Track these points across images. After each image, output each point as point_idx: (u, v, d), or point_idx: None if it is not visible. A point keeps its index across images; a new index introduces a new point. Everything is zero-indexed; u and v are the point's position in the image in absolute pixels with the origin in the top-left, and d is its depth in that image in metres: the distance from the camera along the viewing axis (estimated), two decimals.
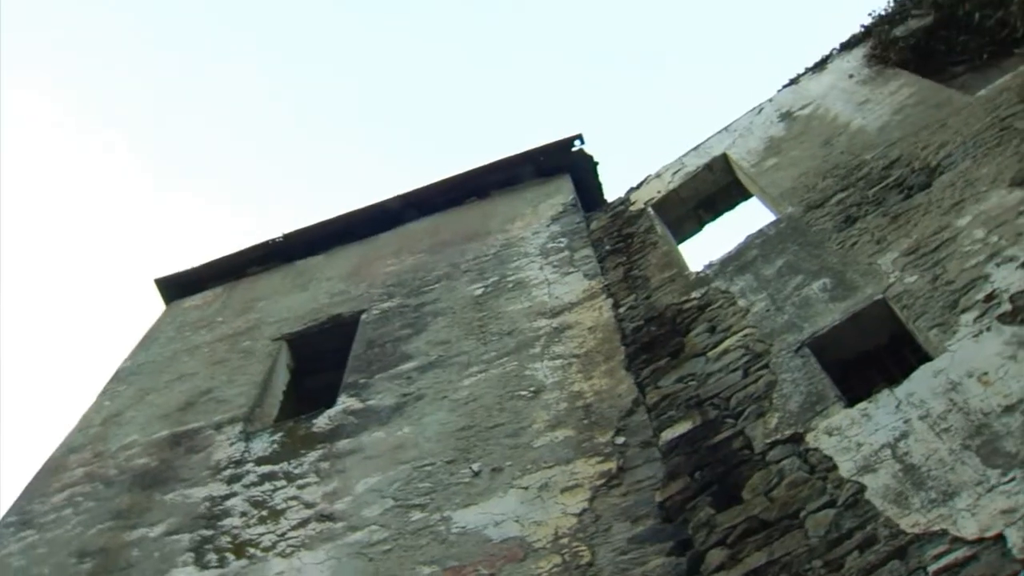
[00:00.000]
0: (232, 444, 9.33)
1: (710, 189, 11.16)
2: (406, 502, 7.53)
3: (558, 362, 8.51)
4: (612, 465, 7.01)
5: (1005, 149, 7.80)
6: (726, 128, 11.47)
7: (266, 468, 8.74)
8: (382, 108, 41.81)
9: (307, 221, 13.98)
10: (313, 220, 13.87)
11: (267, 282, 13.18)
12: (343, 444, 8.61)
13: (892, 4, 11.47)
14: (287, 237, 13.68)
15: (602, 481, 6.90)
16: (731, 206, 11.22)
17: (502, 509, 7.02)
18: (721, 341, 7.72)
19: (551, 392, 8.12)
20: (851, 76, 10.76)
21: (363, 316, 11.00)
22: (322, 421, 9.11)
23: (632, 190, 11.63)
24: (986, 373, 5.90)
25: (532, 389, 8.27)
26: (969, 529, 5.07)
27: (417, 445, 8.16)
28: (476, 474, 7.50)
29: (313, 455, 8.64)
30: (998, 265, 6.65)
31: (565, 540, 6.50)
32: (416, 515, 7.34)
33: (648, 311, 8.70)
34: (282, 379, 10.90)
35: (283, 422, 9.63)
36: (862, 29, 11.48)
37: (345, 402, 9.26)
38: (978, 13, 10.17)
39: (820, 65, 11.52)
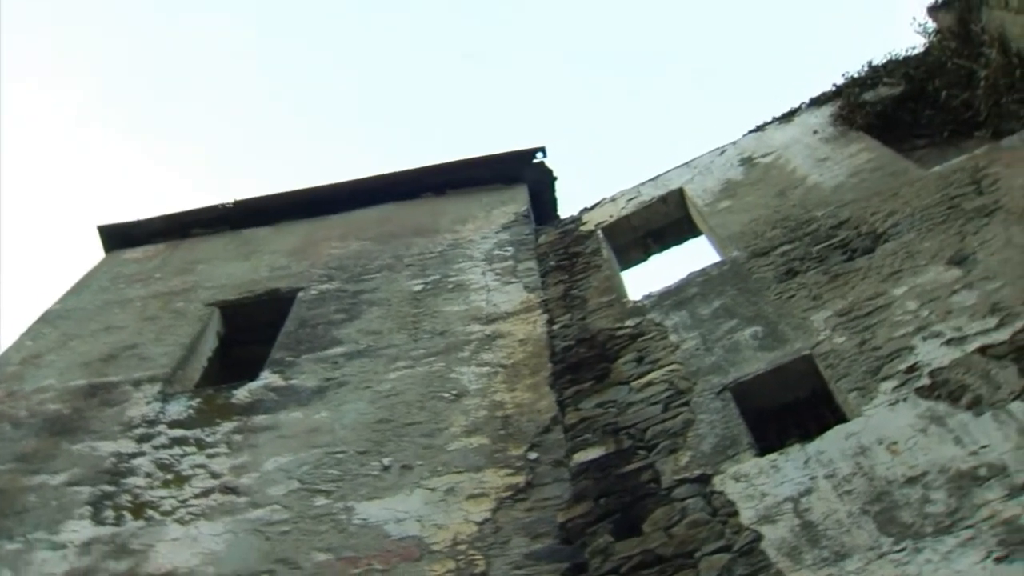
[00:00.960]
0: (148, 403, 9.23)
1: (662, 221, 11.24)
2: (312, 486, 7.50)
3: (484, 369, 8.53)
4: (521, 479, 7.03)
5: (949, 227, 7.94)
6: (687, 163, 11.57)
7: (178, 432, 8.66)
8: (374, 103, 41.64)
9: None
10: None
11: (210, 246, 13.06)
12: (259, 419, 8.56)
13: (866, 69, 11.64)
14: (237, 204, 13.57)
15: (508, 493, 6.92)
16: (680, 241, 11.30)
17: (406, 507, 7.01)
18: (647, 373, 7.78)
19: (473, 398, 8.13)
20: (815, 132, 10.90)
21: (300, 294, 10.94)
22: (242, 393, 9.04)
23: (585, 210, 11.69)
24: (896, 442, 6.01)
25: (455, 392, 8.28)
26: None
27: (332, 431, 8.13)
28: (386, 468, 7.48)
29: (228, 426, 8.58)
30: (924, 339, 6.78)
31: (463, 547, 6.50)
32: (320, 500, 7.31)
33: (581, 332, 8.74)
34: (210, 345, 10.80)
35: (203, 389, 9.55)
36: (833, 88, 11.65)
37: (268, 378, 9.21)
38: (945, 91, 10.36)
39: (788, 116, 11.66)
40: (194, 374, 10.13)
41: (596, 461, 6.99)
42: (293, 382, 9.03)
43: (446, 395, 8.26)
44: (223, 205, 13.61)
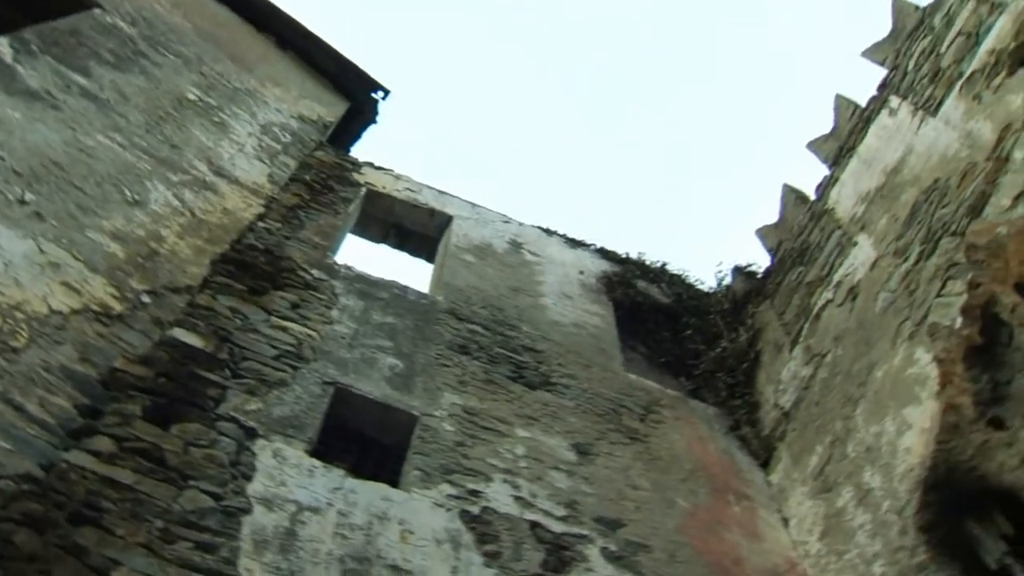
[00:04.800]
0: None
1: (416, 227, 11.32)
2: None
3: (176, 203, 8.28)
4: (119, 307, 6.81)
5: (600, 424, 8.44)
6: (475, 205, 11.74)
7: None
8: None
9: None
10: None
11: None
12: None
13: (658, 264, 12.17)
14: None
15: (99, 309, 6.67)
16: (415, 253, 11.38)
17: (5, 244, 6.63)
18: (291, 321, 7.73)
19: (145, 215, 7.86)
20: (582, 272, 11.29)
21: (96, 11, 10.31)
22: None
23: (369, 165, 11.56)
24: (412, 533, 6.25)
25: (137, 198, 7.98)
26: None
27: (10, 135, 7.61)
28: (21, 202, 7.09)
29: None
30: (504, 482, 7.11)
31: (20, 316, 6.17)
32: None
33: (274, 245, 8.62)
34: None
35: None
36: (623, 255, 12.13)
37: (2, 48, 8.61)
38: (691, 332, 10.98)
39: (575, 243, 12.03)
40: None
41: (188, 347, 6.85)
42: (18, 68, 8.45)
43: (127, 193, 7.95)
44: None
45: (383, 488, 6.53)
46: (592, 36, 42.36)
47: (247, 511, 5.80)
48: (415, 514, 6.44)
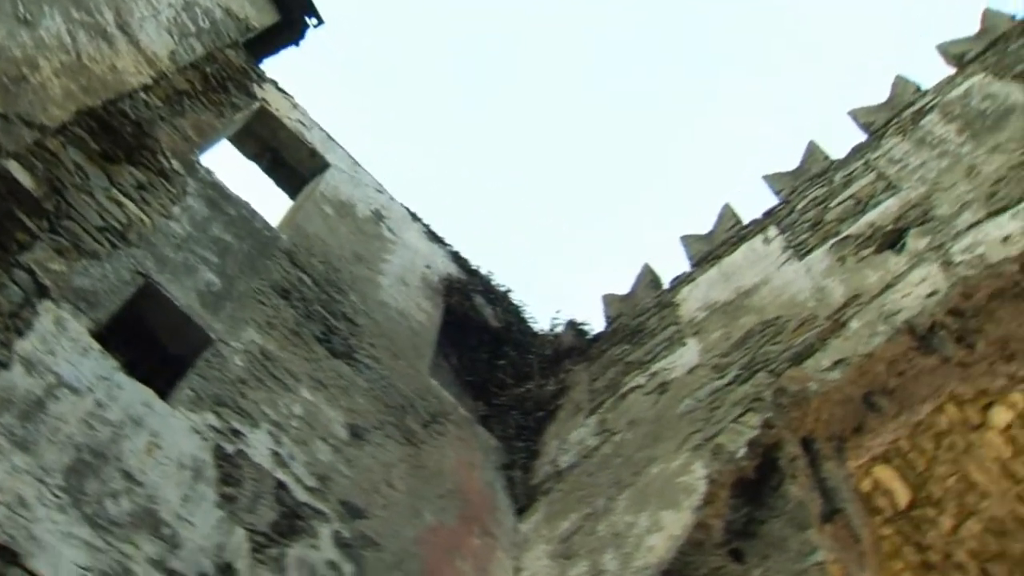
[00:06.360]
0: None
1: (291, 160, 11.05)
2: None
3: (67, 40, 7.79)
4: None
5: (385, 416, 8.54)
6: (357, 164, 11.69)
7: None
8: None
9: None
10: None
11: None
12: None
13: (503, 290, 12.28)
14: None
15: None
16: (281, 185, 11.12)
17: None
18: (130, 199, 7.41)
19: (30, 39, 7.40)
20: (428, 267, 11.39)
21: None
22: None
23: (274, 84, 11.18)
24: (160, 449, 6.24)
25: (29, 18, 7.55)
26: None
27: None
28: None
29: None
30: (269, 433, 7.18)
31: None
32: None
33: (146, 121, 8.07)
34: None
35: None
36: (474, 267, 12.20)
37: None
38: (505, 362, 11.12)
39: (436, 237, 12.13)
40: None
41: (16, 184, 6.37)
42: None
43: (21, 9, 7.52)
44: None
45: (149, 395, 6.43)
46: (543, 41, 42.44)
47: (5, 365, 5.64)
48: (170, 431, 6.37)
